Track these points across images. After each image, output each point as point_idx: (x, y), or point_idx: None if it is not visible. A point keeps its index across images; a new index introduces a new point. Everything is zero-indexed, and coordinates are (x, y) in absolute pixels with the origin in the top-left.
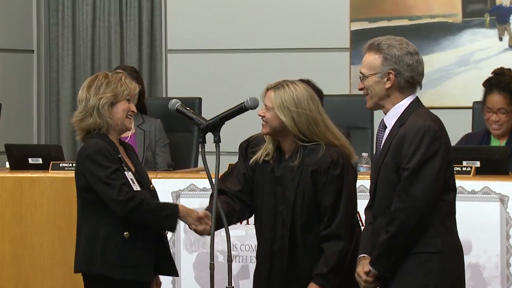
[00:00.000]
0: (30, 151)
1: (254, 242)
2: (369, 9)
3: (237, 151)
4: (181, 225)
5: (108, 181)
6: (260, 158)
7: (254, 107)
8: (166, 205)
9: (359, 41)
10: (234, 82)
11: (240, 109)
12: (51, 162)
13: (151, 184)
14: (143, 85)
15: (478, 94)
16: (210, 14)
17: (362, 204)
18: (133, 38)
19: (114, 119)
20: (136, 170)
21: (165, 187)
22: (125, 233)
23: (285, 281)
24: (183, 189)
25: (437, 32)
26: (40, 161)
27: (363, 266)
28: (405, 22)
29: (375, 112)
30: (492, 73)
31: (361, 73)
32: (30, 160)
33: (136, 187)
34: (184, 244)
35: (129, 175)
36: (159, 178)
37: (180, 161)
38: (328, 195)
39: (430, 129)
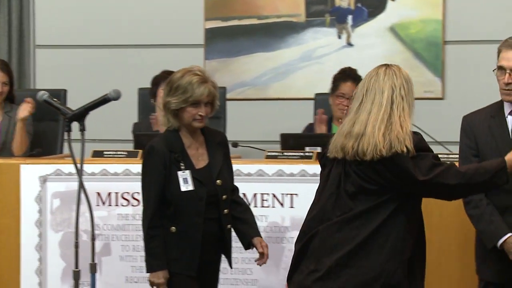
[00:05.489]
0: None
1: (115, 221)
2: (222, 9)
3: (102, 138)
4: (48, 206)
5: (144, 193)
6: None
7: (117, 98)
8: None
9: (213, 38)
10: (98, 75)
11: (103, 100)
12: None
13: (219, 179)
14: (13, 77)
15: (319, 86)
16: (76, 12)
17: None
18: (3, 34)
19: (181, 123)
20: (209, 162)
21: (33, 171)
22: (172, 227)
23: None
24: (49, 174)
25: (283, 30)
26: None
27: None
28: (254, 21)
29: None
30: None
31: (510, 69)
32: None
33: (187, 187)
34: (50, 224)
35: (184, 174)
36: (27, 163)
37: (47, 148)
38: None
39: None
